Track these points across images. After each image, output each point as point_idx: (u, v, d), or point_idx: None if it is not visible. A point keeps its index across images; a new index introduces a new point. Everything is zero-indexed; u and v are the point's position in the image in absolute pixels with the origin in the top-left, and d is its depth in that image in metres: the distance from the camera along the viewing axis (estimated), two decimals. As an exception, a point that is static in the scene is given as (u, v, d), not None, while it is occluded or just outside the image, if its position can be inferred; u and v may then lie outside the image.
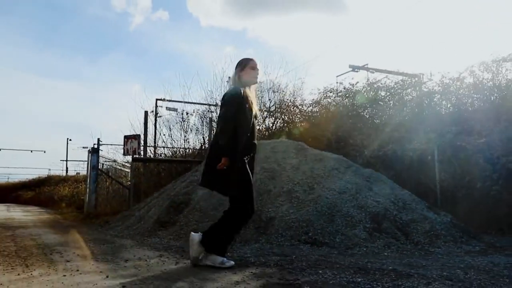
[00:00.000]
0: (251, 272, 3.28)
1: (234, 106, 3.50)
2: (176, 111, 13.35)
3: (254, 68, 3.72)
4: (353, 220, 5.37)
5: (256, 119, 3.71)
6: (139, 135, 11.15)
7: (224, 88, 14.90)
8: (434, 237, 5.23)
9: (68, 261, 3.77)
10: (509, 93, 8.46)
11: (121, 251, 4.56)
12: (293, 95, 13.33)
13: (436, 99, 10.13)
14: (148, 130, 12.49)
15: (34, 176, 31.60)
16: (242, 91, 3.58)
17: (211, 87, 16.36)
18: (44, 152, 47.59)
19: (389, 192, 6.16)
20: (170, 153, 13.17)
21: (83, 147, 32.40)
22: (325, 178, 6.35)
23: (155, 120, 13.60)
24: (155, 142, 13.14)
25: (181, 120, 12.66)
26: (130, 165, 12.50)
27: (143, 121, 12.21)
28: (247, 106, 3.55)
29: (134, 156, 10.75)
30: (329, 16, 79.23)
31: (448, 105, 9.96)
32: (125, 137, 11.07)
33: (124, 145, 11.12)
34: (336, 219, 5.35)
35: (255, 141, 3.67)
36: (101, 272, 3.28)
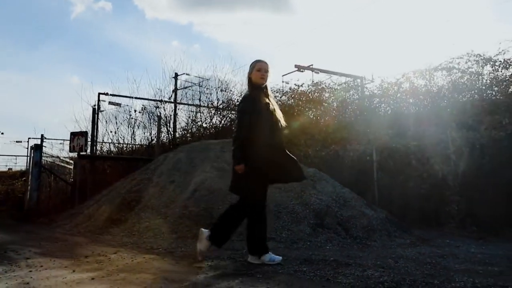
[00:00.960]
0: (208, 265, 3.57)
1: (247, 113, 3.66)
2: (120, 106, 13.19)
3: (260, 69, 3.84)
4: (298, 216, 5.76)
5: (273, 116, 3.81)
6: (86, 132, 11.02)
7: (172, 85, 15.01)
8: (371, 232, 5.73)
9: (28, 258, 3.87)
10: (439, 99, 9.23)
11: (77, 248, 4.67)
12: (241, 94, 13.65)
13: (376, 102, 10.81)
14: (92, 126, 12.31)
15: (-43, 172, 29.80)
16: (253, 95, 3.75)
17: (160, 84, 16.26)
18: (-30, 146, 44.93)
19: (331, 190, 6.62)
20: (116, 150, 13.08)
21: (17, 141, 31.06)
22: (272, 177, 6.70)
23: (97, 114, 13.31)
24: (96, 137, 12.87)
25: (128, 117, 12.61)
26: (73, 162, 12.33)
27: (91, 118, 12.06)
28: (262, 108, 3.71)
29: (81, 153, 10.63)
30: (275, 16, 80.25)
31: (387, 108, 10.66)
32: (72, 133, 10.91)
33: (70, 142, 10.95)
34: (282, 216, 5.72)
35: (278, 140, 3.82)
36: (65, 267, 3.43)
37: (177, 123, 13.24)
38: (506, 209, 6.47)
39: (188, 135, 12.78)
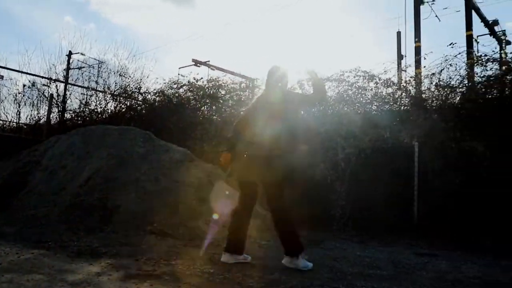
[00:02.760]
0: (108, 263, 3.39)
1: None
2: (2, 79, 11.95)
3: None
4: (195, 212, 5.74)
5: None
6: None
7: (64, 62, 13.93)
8: (266, 231, 5.93)
9: None
10: (327, 108, 9.79)
11: None
12: (139, 82, 13.13)
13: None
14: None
15: None
16: None
17: (55, 61, 14.91)
18: None
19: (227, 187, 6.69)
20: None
21: None
22: (171, 170, 6.58)
23: None
24: None
25: (16, 92, 11.41)
26: None
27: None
28: None
29: None
30: (174, 7, 78.07)
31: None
32: None
33: None
34: (180, 211, 5.66)
35: None
36: None
37: (68, 104, 12.36)
38: (383, 215, 7.14)
39: (78, 118, 11.97)
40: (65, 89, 12.69)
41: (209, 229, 5.44)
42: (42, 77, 11.88)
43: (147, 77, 13.08)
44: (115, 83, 12.18)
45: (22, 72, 11.79)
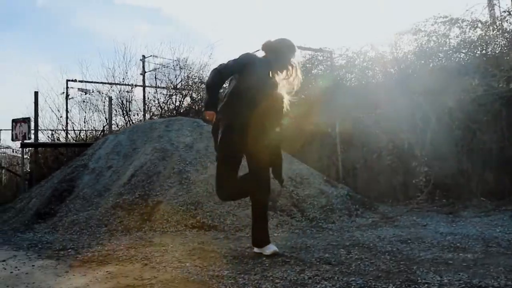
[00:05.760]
0: (107, 272, 2.80)
1: None
2: (86, 93, 12.57)
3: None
4: (246, 199, 5.05)
5: None
6: (29, 118, 10.00)
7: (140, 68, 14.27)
8: (330, 212, 5.11)
9: None
10: (405, 66, 8.55)
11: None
12: (201, 70, 12.81)
13: (342, 73, 10.10)
14: (39, 111, 11.34)
15: None
16: None
17: (112, 64, 15.27)
18: None
19: (286, 167, 5.87)
20: (73, 137, 12.19)
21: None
22: (221, 156, 5.97)
23: (66, 102, 12.53)
24: (67, 125, 12.08)
25: (82, 100, 11.78)
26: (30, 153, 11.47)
27: (33, 102, 11.02)
28: None
29: (24, 141, 9.69)
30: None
31: (352, 78, 9.97)
32: (13, 120, 9.91)
33: (12, 130, 9.98)
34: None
35: None
36: None
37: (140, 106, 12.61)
38: (478, 178, 5.90)
39: (155, 117, 12.09)
40: (144, 92, 12.93)
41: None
42: (125, 84, 12.24)
43: (207, 65, 12.77)
44: (175, 76, 12.11)
45: (104, 83, 12.45)
